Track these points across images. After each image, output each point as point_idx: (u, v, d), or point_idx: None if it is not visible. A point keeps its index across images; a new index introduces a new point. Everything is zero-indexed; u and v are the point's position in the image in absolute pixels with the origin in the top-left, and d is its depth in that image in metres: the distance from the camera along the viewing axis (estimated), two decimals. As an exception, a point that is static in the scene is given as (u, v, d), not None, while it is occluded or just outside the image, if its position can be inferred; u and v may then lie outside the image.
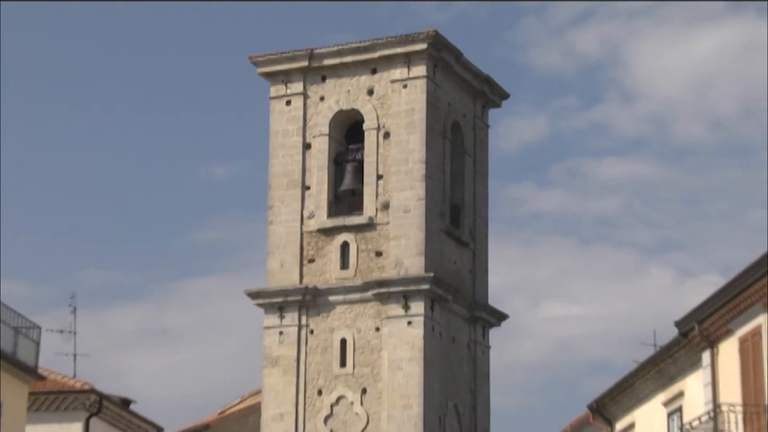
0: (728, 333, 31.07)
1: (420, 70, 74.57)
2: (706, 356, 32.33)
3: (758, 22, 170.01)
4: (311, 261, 75.15)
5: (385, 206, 74.31)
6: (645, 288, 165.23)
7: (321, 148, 75.98)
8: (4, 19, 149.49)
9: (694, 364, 33.28)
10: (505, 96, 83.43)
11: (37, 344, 37.84)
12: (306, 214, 75.66)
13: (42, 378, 38.86)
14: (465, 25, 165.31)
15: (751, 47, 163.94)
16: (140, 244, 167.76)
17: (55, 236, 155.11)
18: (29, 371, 37.05)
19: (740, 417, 29.22)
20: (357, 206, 75.25)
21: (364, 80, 76.24)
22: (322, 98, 76.32)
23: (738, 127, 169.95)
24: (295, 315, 74.60)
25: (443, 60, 75.70)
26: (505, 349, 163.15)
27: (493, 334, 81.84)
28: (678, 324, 33.21)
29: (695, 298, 33.87)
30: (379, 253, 74.02)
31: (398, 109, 74.98)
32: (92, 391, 42.05)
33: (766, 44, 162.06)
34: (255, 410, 76.24)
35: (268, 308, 75.09)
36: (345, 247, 74.89)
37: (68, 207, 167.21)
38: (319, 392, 73.42)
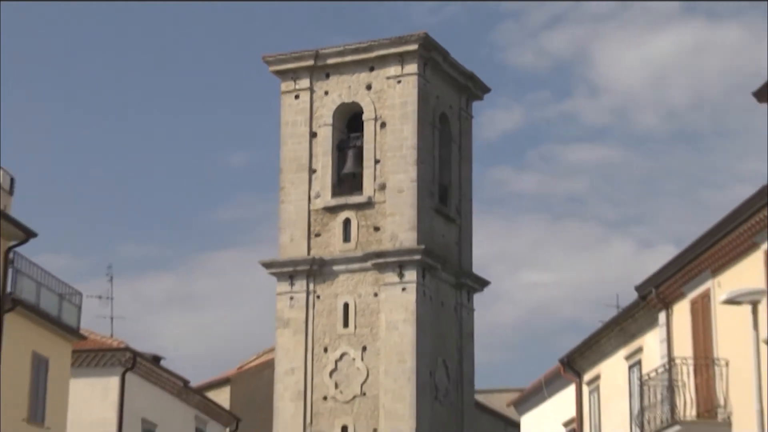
0: (681, 296, 31.24)
1: (412, 68, 74.80)
2: (662, 316, 32.50)
3: (707, 25, 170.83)
4: (317, 235, 75.64)
5: (382, 187, 74.86)
6: (609, 257, 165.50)
7: (325, 136, 76.37)
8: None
9: (652, 324, 33.33)
10: (486, 90, 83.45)
11: (79, 308, 38.14)
12: (313, 194, 76.09)
13: (83, 338, 39.11)
14: (451, 28, 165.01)
15: (700, 47, 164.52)
16: (169, 221, 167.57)
17: (95, 214, 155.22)
18: (72, 332, 37.29)
19: (691, 368, 29.07)
20: (357, 187, 75.51)
21: (363, 77, 76.46)
22: (326, 93, 76.48)
23: (689, 116, 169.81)
24: (304, 282, 75.25)
25: (432, 59, 75.91)
26: (487, 312, 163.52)
27: (477, 298, 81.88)
28: (638, 288, 33.23)
29: (652, 266, 34.00)
30: (377, 228, 74.47)
31: (393, 102, 75.26)
32: (127, 349, 42.32)
33: (713, 44, 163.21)
34: (269, 365, 76.60)
35: (280, 277, 75.59)
36: (347, 223, 75.41)
37: (108, 189, 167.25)
38: (325, 350, 74.10)
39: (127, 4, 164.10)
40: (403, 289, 72.61)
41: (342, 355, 73.51)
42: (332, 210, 75.41)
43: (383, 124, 75.06)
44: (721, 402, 27.71)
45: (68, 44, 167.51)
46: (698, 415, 28.40)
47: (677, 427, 28.34)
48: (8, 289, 31.83)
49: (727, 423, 27.40)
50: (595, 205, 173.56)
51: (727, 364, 27.43)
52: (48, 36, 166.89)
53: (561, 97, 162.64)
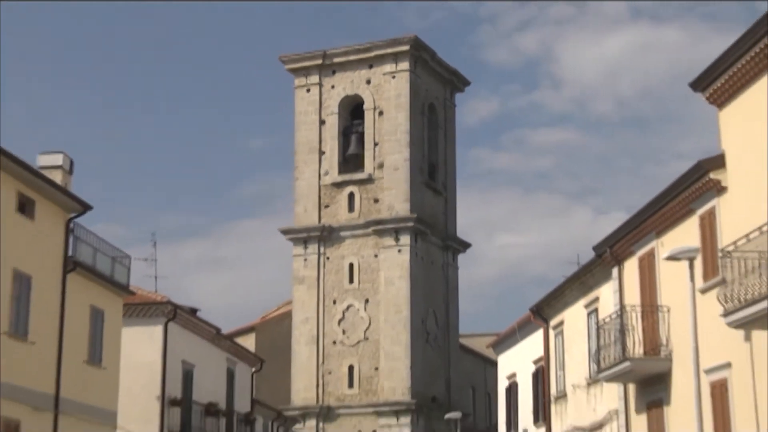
0: (630, 254, 31.45)
1: (404, 65, 74.86)
2: (615, 271, 32.64)
3: (652, 26, 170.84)
4: (327, 206, 75.86)
5: (380, 166, 75.05)
6: (570, 223, 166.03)
7: (332, 123, 76.51)
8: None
9: (606, 277, 33.32)
10: (467, 83, 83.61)
11: (128, 269, 38.24)
12: (322, 172, 76.31)
13: (132, 293, 39.09)
14: (438, 31, 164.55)
15: (646, 45, 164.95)
16: (203, 195, 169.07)
17: (141, 190, 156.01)
18: (123, 289, 37.45)
19: (639, 314, 29.10)
20: (359, 166, 75.59)
21: (364, 73, 76.37)
22: (332, 86, 76.33)
23: (636, 104, 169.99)
24: (316, 246, 75.58)
25: (421, 57, 75.90)
26: (469, 269, 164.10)
27: (460, 258, 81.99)
28: (595, 248, 33.03)
29: (607, 230, 34.24)
30: (376, 200, 74.62)
31: (389, 94, 75.38)
32: (168, 302, 42.44)
33: (657, 43, 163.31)
34: (287, 316, 76.86)
35: (296, 241, 75.83)
36: (351, 196, 75.62)
37: (151, 170, 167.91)
38: (334, 302, 74.48)
39: (165, 8, 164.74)
40: (399, 251, 73.16)
41: (348, 307, 74.04)
42: (339, 185, 75.68)
43: (381, 113, 75.25)
44: (664, 341, 28.05)
45: (117, 42, 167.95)
46: (645, 352, 28.79)
47: (627, 363, 28.55)
48: (69, 253, 32.22)
49: (669, 359, 27.77)
50: (558, 179, 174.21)
51: (668, 311, 27.88)
52: (100, 34, 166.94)
53: (530, 89, 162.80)
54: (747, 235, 22.03)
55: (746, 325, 22.19)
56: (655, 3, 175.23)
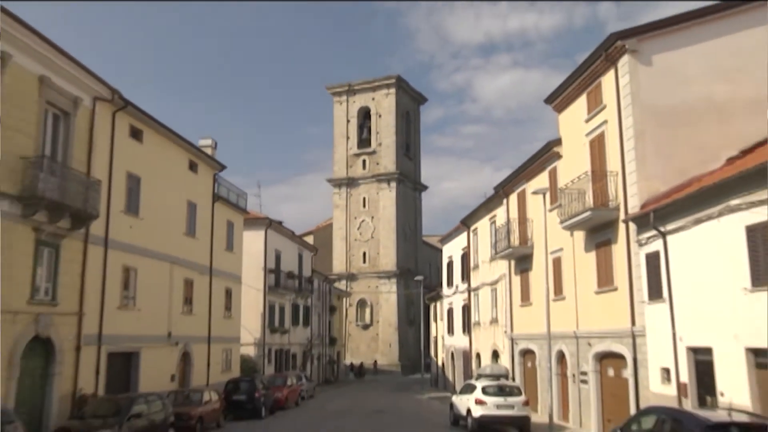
0: (512, 191, 31.24)
1: (392, 90, 75.21)
2: (504, 201, 32.36)
3: (524, 70, 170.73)
4: (351, 167, 76.01)
5: (380, 144, 75.39)
6: (483, 175, 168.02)
7: (353, 121, 76.88)
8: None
9: (500, 204, 33.02)
10: (426, 100, 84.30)
11: (246, 200, 37.97)
12: (348, 148, 76.60)
13: (248, 213, 38.78)
14: (411, 71, 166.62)
15: (521, 81, 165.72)
16: (286, 160, 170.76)
17: (253, 160, 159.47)
18: (243, 211, 37.34)
19: (516, 224, 29.47)
20: (368, 145, 75.85)
21: (370, 94, 76.45)
22: (354, 101, 76.80)
23: (518, 112, 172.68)
24: (345, 188, 75.95)
25: (401, 86, 76.33)
26: (427, 201, 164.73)
27: (423, 195, 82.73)
28: (495, 188, 32.36)
29: (500, 178, 35.22)
30: (377, 163, 74.81)
31: (384, 106, 75.47)
32: (267, 218, 42.28)
33: (528, 80, 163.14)
34: (329, 226, 77.50)
35: (334, 185, 76.28)
36: (364, 161, 75.89)
37: (258, 148, 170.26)
38: (355, 218, 75.24)
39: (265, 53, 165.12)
40: (390, 191, 74.39)
41: (362, 221, 75.27)
42: (357, 155, 76.47)
43: (380, 116, 76.17)
44: (529, 237, 28.53)
45: (238, 70, 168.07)
46: (519, 243, 29.06)
47: (510, 249, 29.13)
48: (215, 191, 32.99)
49: (531, 246, 28.15)
50: (475, 152, 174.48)
51: (532, 221, 28.32)
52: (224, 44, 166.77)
53: (459, 103, 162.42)
54: (571, 181, 22.79)
55: (570, 228, 22.78)
56: (525, 54, 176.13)
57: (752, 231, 13.94)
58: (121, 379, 23.45)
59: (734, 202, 14.54)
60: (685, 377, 16.66)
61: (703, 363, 16.03)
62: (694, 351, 16.41)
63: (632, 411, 18.43)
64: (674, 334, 16.98)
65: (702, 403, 15.82)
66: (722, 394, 14.67)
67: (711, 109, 19.11)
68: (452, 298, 45.52)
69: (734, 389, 14.35)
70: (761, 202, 13.63)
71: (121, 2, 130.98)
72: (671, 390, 17.16)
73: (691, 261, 16.36)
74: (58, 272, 19.26)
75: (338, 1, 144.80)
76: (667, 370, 17.58)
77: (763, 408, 13.59)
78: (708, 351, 15.67)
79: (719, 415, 10.80)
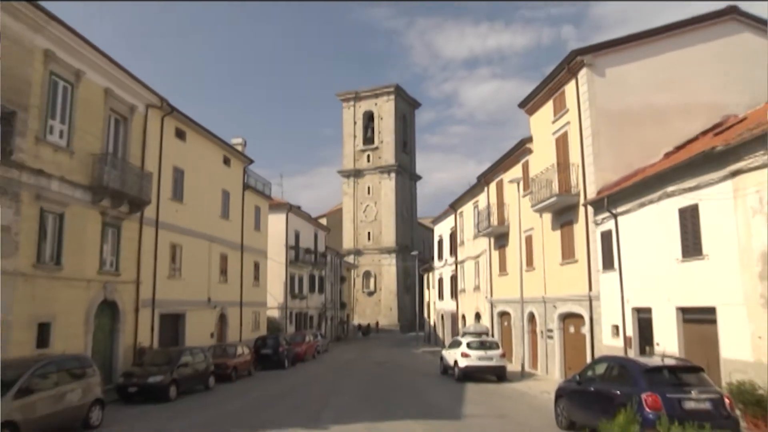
0: (492, 180, 31.08)
1: (392, 97, 74.88)
2: (485, 188, 32.08)
3: (501, 81, 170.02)
4: (357, 160, 75.74)
5: (381, 142, 75.35)
6: (466, 168, 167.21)
7: (359, 124, 76.58)
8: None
9: (482, 191, 32.74)
10: (420, 105, 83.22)
11: (270, 188, 37.86)
12: (355, 145, 76.29)
13: (272, 199, 38.64)
14: (407, 80, 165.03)
15: (499, 89, 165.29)
16: (304, 155, 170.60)
17: (278, 154, 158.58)
18: (268, 197, 37.18)
19: (495, 207, 29.48)
20: (372, 142, 75.39)
21: (373, 100, 75.92)
22: (360, 107, 76.39)
23: (496, 115, 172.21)
24: (352, 179, 75.66)
25: (399, 93, 75.95)
26: (421, 189, 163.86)
27: (418, 183, 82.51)
28: (478, 177, 32.59)
29: (482, 170, 35.06)
30: (379, 158, 74.57)
31: (385, 110, 74.98)
32: (288, 203, 42.12)
33: (504, 89, 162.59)
34: (340, 210, 77.98)
35: (344, 176, 75.94)
36: (368, 156, 75.55)
37: (281, 144, 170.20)
38: (361, 203, 75.68)
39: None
40: (390, 180, 74.23)
41: (367, 205, 75.24)
42: (363, 151, 76.05)
43: (381, 118, 75.64)
44: (506, 218, 28.58)
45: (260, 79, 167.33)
46: (498, 223, 29.17)
47: (490, 228, 29.32)
48: (245, 182, 32.99)
49: (508, 226, 28.20)
50: (461, 148, 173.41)
51: (508, 205, 28.26)
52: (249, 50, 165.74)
53: (448, 108, 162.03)
54: (541, 172, 22.99)
55: (540, 211, 23.14)
56: (502, 67, 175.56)
57: (683, 212, 14.50)
58: (171, 335, 24.05)
59: (670, 188, 15.07)
60: (630, 332, 17.24)
61: (644, 320, 16.63)
62: (638, 311, 16.99)
63: (588, 360, 18.85)
64: (622, 297, 17.53)
65: (642, 351, 16.37)
66: (658, 344, 15.27)
67: (651, 113, 19.58)
68: (442, 269, 45.51)
69: (667, 340, 14.98)
70: (690, 189, 14.22)
71: (166, 18, 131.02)
72: (619, 342, 17.72)
73: (636, 237, 16.86)
74: (119, 248, 19.87)
75: (349, 22, 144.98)
76: (616, 327, 18.10)
77: (687, 353, 14.27)
78: (648, 310, 16.26)
79: (655, 361, 11.03)
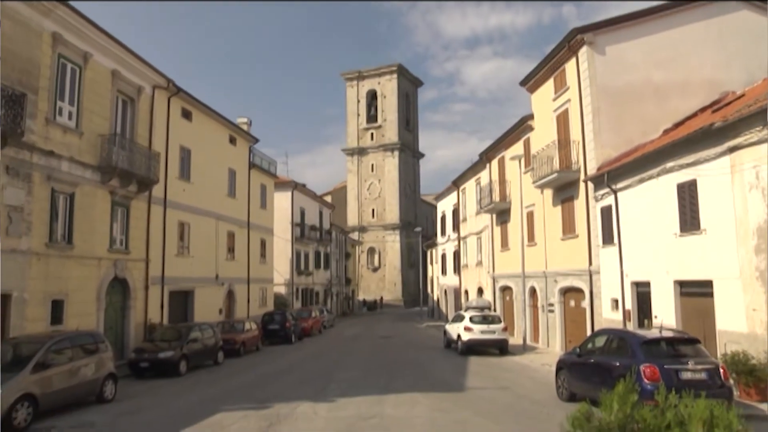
0: (494, 157, 30.93)
1: (394, 76, 74.73)
2: (488, 165, 31.99)
3: (501, 59, 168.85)
4: (361, 138, 75.83)
5: (385, 120, 75.25)
6: (469, 145, 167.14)
7: (363, 102, 76.29)
8: None
9: (484, 168, 32.62)
10: (422, 84, 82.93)
11: (276, 167, 37.81)
12: (359, 123, 76.47)
13: (278, 178, 38.71)
14: (410, 60, 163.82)
15: (500, 68, 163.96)
16: (309, 134, 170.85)
17: (282, 136, 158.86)
18: (273, 176, 37.19)
19: (497, 184, 29.51)
20: (375, 120, 75.27)
21: (377, 79, 75.72)
22: (363, 85, 76.15)
23: (498, 93, 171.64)
24: (356, 156, 75.70)
25: (402, 72, 75.64)
26: (424, 166, 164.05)
27: (421, 161, 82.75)
28: (480, 155, 32.45)
29: (484, 146, 34.88)
30: (383, 135, 74.64)
31: (388, 88, 74.85)
32: (293, 181, 42.23)
33: (506, 67, 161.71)
34: (344, 187, 78.18)
35: (348, 153, 76.11)
36: (372, 134, 75.53)
37: (286, 124, 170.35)
38: (365, 181, 75.70)
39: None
40: (393, 158, 74.33)
41: (371, 183, 75.43)
42: (366, 129, 76.09)
43: (384, 97, 75.55)
44: (507, 194, 28.55)
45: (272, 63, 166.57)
46: (500, 199, 29.10)
47: (492, 204, 29.26)
48: (251, 160, 32.98)
49: (509, 202, 28.20)
50: (463, 125, 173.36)
51: (510, 182, 28.36)
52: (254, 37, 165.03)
53: (450, 86, 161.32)
54: (542, 149, 23.00)
55: (541, 187, 23.19)
56: (503, 46, 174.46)
57: (681, 188, 14.54)
58: (180, 311, 24.31)
59: (669, 164, 15.08)
60: (629, 305, 17.35)
61: (642, 293, 16.74)
62: (637, 284, 17.08)
63: (588, 333, 18.98)
64: (622, 272, 17.62)
65: (641, 324, 16.53)
66: (656, 317, 15.38)
67: (651, 90, 19.54)
68: (445, 245, 45.56)
69: (665, 313, 15.11)
70: (688, 165, 14.25)
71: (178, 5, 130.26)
72: (618, 315, 17.85)
73: (636, 213, 16.91)
74: (128, 227, 20.05)
75: (353, 2, 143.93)
76: (615, 300, 18.21)
77: (684, 325, 14.41)
78: (647, 284, 16.36)
79: (653, 333, 11.13)
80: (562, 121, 22.09)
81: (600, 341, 12.10)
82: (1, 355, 11.36)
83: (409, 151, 78.01)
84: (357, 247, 71.54)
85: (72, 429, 10.67)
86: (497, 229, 30.80)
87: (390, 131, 75.17)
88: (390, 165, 74.63)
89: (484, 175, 33.48)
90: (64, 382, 11.92)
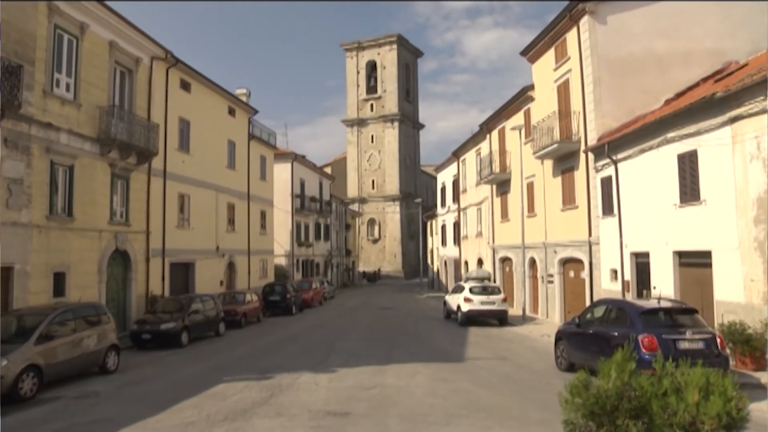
0: (495, 128, 30.85)
1: (394, 46, 73.77)
2: (488, 136, 31.97)
3: (503, 29, 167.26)
4: (361, 109, 75.20)
5: (384, 91, 74.67)
6: (469, 117, 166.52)
7: (362, 73, 75.61)
8: None
9: (485, 139, 32.61)
10: (422, 54, 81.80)
11: (275, 138, 37.67)
12: (359, 94, 75.72)
13: (277, 149, 38.45)
14: (410, 30, 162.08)
15: (500, 38, 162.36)
16: (309, 105, 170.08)
17: (283, 106, 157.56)
18: (273, 147, 36.94)
19: (497, 154, 29.57)
20: (375, 91, 74.61)
21: (376, 50, 74.78)
22: (362, 56, 75.50)
23: (498, 63, 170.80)
24: (356, 128, 75.22)
25: (401, 42, 74.73)
26: (424, 137, 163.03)
27: (421, 132, 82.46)
28: (480, 126, 32.34)
29: (484, 117, 34.86)
30: (383, 107, 74.25)
31: (388, 59, 74.04)
32: (293, 153, 41.99)
33: (508, 36, 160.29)
34: (344, 159, 78.06)
35: (348, 125, 75.53)
36: (372, 105, 74.94)
37: (286, 98, 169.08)
38: (365, 152, 75.15)
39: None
40: (393, 129, 73.98)
41: (371, 154, 75.11)
42: (366, 100, 75.55)
43: (384, 67, 74.74)
44: (508, 165, 28.56)
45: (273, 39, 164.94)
46: (500, 170, 29.12)
47: (492, 175, 29.30)
48: (250, 132, 32.89)
49: (509, 173, 28.17)
50: (463, 96, 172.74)
51: (510, 152, 28.17)
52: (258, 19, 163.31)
53: (450, 56, 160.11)
54: (542, 119, 22.95)
55: (541, 158, 23.17)
56: (504, 16, 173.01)
57: (682, 158, 14.54)
58: (181, 283, 24.43)
59: (670, 134, 15.05)
60: (628, 276, 17.46)
61: (642, 264, 16.85)
62: (636, 255, 17.18)
63: (587, 303, 19.09)
64: (621, 242, 17.70)
65: (640, 294, 16.65)
66: (655, 287, 15.51)
67: (653, 60, 19.36)
68: (445, 216, 45.65)
69: (664, 283, 15.23)
70: (689, 135, 14.23)
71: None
72: (617, 286, 17.97)
73: (636, 183, 16.92)
74: (129, 199, 20.06)
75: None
76: (615, 271, 18.32)
77: (682, 296, 14.53)
78: (646, 255, 16.46)
79: (651, 303, 11.22)
80: (563, 91, 21.98)
81: (599, 312, 12.17)
82: (6, 327, 11.48)
83: (409, 122, 77.66)
84: (357, 219, 71.63)
85: (77, 398, 10.84)
86: (497, 200, 30.82)
87: (390, 102, 74.76)
88: (390, 136, 74.37)
89: (484, 146, 33.39)
90: (68, 353, 12.07)
